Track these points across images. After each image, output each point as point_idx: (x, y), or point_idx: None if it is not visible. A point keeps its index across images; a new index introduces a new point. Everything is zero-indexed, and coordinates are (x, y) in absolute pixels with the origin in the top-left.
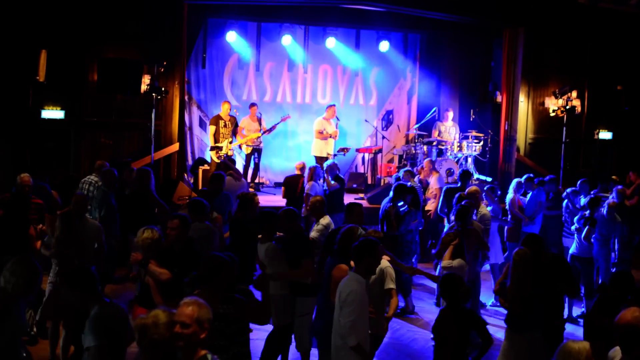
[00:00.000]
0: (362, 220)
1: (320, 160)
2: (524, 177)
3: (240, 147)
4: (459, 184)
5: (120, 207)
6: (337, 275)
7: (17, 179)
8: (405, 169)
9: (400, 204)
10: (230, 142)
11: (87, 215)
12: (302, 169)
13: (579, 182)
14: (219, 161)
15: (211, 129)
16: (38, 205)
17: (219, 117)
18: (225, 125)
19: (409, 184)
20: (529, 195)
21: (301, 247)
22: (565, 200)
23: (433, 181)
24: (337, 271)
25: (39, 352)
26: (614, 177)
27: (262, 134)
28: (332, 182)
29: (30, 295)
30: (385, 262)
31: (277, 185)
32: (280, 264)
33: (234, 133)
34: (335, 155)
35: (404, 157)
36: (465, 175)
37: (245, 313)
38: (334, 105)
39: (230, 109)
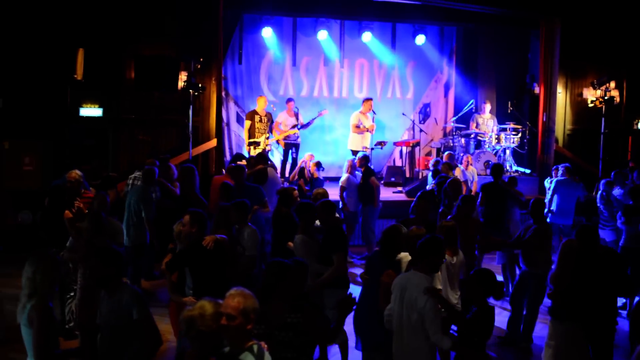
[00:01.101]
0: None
1: (356, 154)
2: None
3: (277, 142)
4: (492, 180)
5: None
6: (387, 282)
7: (66, 175)
8: (444, 161)
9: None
10: (267, 138)
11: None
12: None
13: (612, 173)
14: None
15: (247, 123)
16: (97, 194)
17: (254, 112)
18: (260, 120)
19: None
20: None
21: (332, 241)
22: (600, 191)
23: (457, 173)
24: (387, 277)
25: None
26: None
27: (298, 129)
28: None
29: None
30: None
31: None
32: (309, 257)
33: (270, 129)
34: (372, 149)
35: (442, 150)
36: (497, 170)
37: (314, 325)
38: (371, 98)
39: (266, 104)
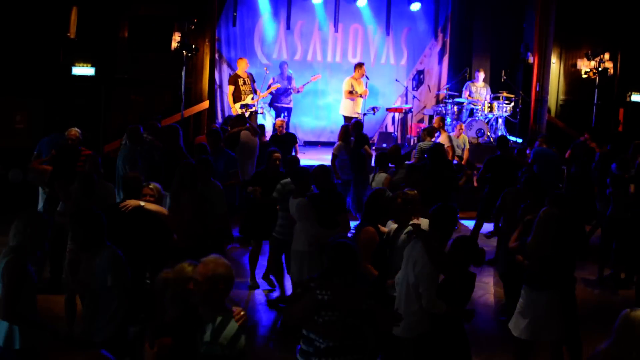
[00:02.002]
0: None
1: (348, 119)
2: None
3: (270, 105)
4: (498, 153)
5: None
6: (364, 238)
7: (65, 133)
8: (425, 127)
9: None
10: (252, 98)
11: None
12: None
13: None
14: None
15: (230, 88)
16: (89, 156)
17: (237, 76)
18: (244, 83)
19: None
20: None
21: (334, 203)
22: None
23: (443, 139)
24: (364, 234)
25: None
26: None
27: (290, 92)
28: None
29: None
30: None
31: (307, 143)
32: (309, 220)
33: (254, 89)
34: (364, 114)
35: (434, 117)
36: (503, 142)
37: (384, 313)
38: (363, 63)
39: (247, 66)
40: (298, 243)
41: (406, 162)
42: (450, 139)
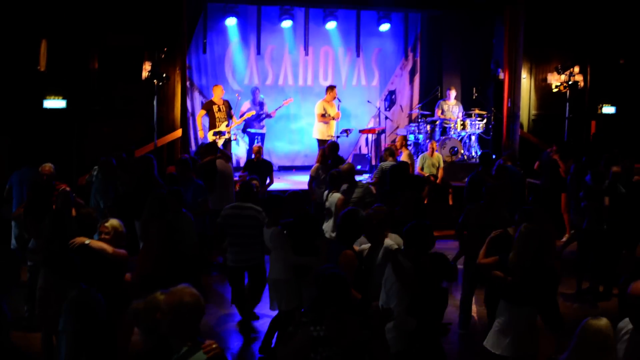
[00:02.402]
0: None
1: (322, 143)
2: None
3: (243, 131)
4: (480, 169)
5: (126, 195)
6: (344, 262)
7: (39, 169)
8: (386, 147)
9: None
10: (227, 125)
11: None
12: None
13: (583, 158)
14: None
15: (201, 112)
16: (60, 192)
17: (211, 102)
18: (219, 110)
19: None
20: None
21: (309, 229)
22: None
23: (404, 157)
24: (343, 257)
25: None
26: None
27: (263, 118)
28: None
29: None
30: (389, 241)
31: (282, 168)
32: (284, 248)
33: (229, 116)
34: (338, 137)
35: (406, 135)
36: (486, 158)
37: (381, 342)
38: (334, 86)
39: (223, 93)
40: (274, 272)
41: (363, 181)
42: (411, 157)
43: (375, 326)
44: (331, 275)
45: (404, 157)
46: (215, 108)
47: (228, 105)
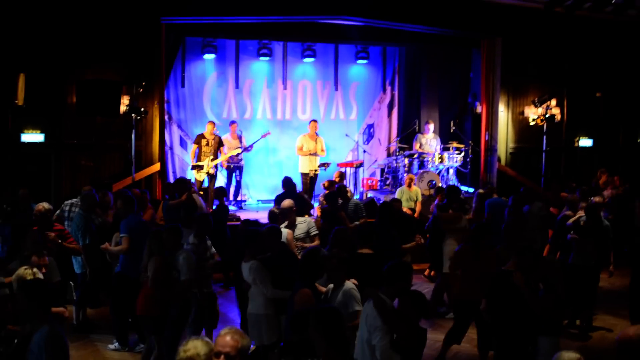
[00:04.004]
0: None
1: (303, 176)
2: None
3: (221, 165)
4: (444, 201)
5: (103, 232)
6: (298, 301)
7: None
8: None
9: None
10: (212, 160)
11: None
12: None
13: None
14: (201, 180)
15: (193, 147)
16: (30, 232)
17: (202, 136)
18: (207, 144)
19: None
20: None
21: (287, 264)
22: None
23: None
24: (299, 297)
25: None
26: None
27: (242, 151)
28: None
29: None
30: (350, 283)
31: (260, 201)
32: (264, 283)
33: (219, 152)
34: (315, 171)
35: (386, 170)
36: (452, 192)
37: None
38: (313, 120)
39: (214, 128)
40: (255, 307)
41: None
42: (352, 194)
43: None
44: (328, 311)
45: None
46: (204, 142)
47: (218, 140)
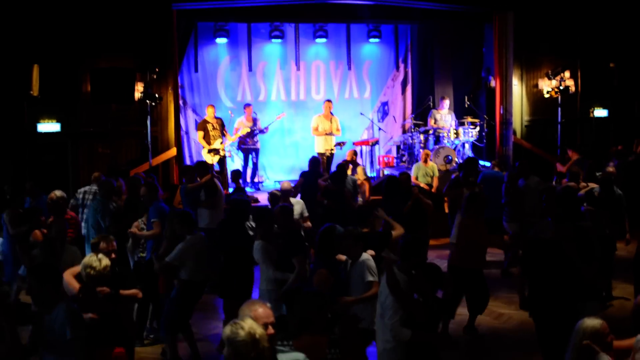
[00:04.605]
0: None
1: (321, 156)
2: None
3: (238, 147)
4: (461, 175)
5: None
6: (318, 280)
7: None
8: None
9: None
10: (221, 142)
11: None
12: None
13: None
14: (213, 163)
15: (199, 134)
16: (55, 220)
17: (205, 122)
18: (214, 128)
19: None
20: None
21: (291, 244)
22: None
23: (359, 173)
24: (317, 276)
25: None
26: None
27: (254, 132)
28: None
29: None
30: (366, 255)
31: (278, 182)
32: (267, 262)
33: (223, 134)
34: (332, 150)
35: (402, 147)
36: (470, 164)
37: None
38: (327, 100)
39: (215, 112)
40: (262, 283)
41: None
42: (365, 172)
43: (345, 329)
44: (310, 294)
45: (358, 173)
46: (209, 127)
47: (221, 123)
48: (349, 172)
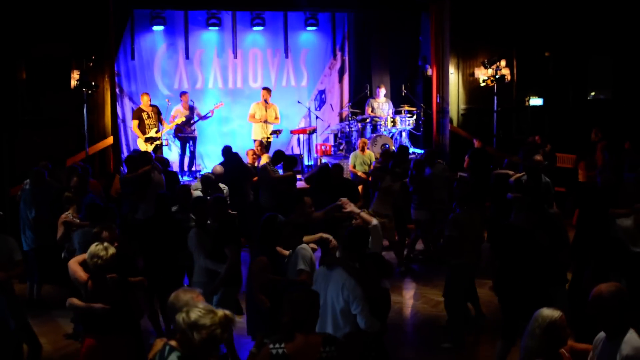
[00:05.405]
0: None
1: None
2: None
3: (174, 136)
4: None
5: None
6: (255, 269)
7: None
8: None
9: None
10: (157, 131)
11: None
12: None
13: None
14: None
15: (134, 122)
16: None
17: (140, 110)
18: (149, 117)
19: None
20: None
21: (224, 234)
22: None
23: (263, 161)
24: (255, 264)
25: None
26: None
27: (190, 121)
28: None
29: None
30: (304, 244)
31: None
32: (200, 252)
33: (159, 121)
34: (268, 138)
35: (339, 135)
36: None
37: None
38: (265, 88)
39: (150, 100)
40: (195, 274)
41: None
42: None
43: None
44: (302, 292)
45: (263, 160)
46: (144, 115)
47: (157, 110)
48: (255, 162)
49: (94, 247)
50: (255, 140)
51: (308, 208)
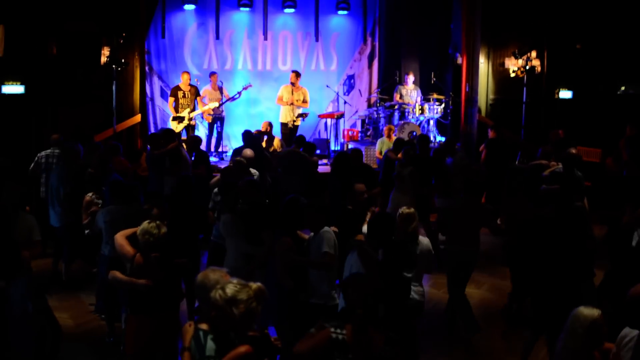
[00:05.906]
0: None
1: (283, 126)
2: None
3: (202, 116)
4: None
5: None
6: (280, 250)
7: None
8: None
9: None
10: (191, 112)
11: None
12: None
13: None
14: (179, 131)
15: (170, 100)
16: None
17: (178, 88)
18: (184, 96)
19: None
20: None
21: (259, 219)
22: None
23: (276, 144)
24: (280, 245)
25: None
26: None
27: (222, 103)
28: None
29: None
30: (327, 228)
31: None
32: (237, 236)
33: (196, 102)
34: (294, 122)
35: (366, 121)
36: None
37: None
38: (294, 71)
39: (190, 79)
40: (229, 260)
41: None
42: (282, 145)
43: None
44: (362, 277)
45: (275, 144)
46: (180, 94)
47: (195, 91)
48: (264, 144)
49: (147, 224)
50: (264, 122)
51: (359, 196)
